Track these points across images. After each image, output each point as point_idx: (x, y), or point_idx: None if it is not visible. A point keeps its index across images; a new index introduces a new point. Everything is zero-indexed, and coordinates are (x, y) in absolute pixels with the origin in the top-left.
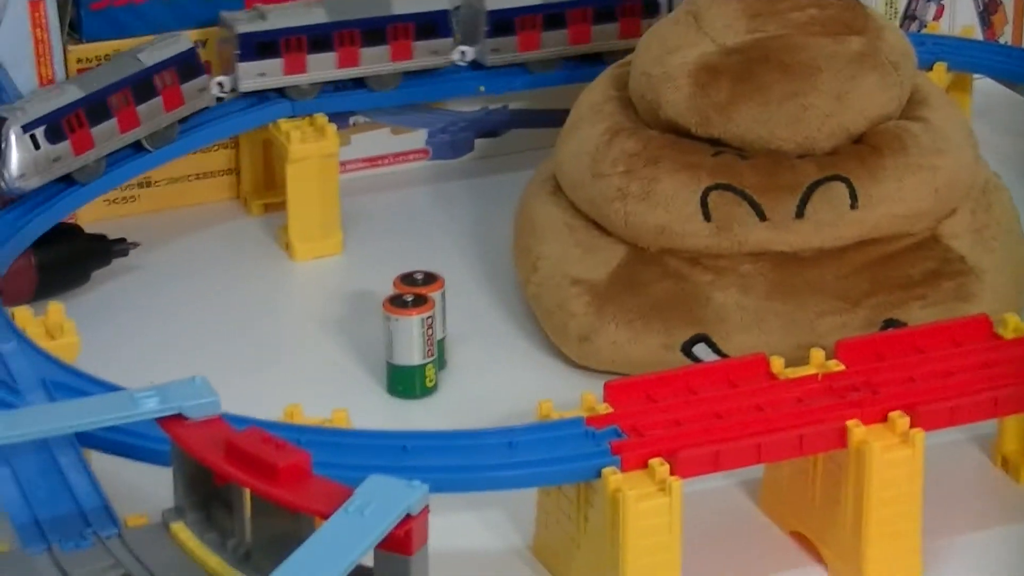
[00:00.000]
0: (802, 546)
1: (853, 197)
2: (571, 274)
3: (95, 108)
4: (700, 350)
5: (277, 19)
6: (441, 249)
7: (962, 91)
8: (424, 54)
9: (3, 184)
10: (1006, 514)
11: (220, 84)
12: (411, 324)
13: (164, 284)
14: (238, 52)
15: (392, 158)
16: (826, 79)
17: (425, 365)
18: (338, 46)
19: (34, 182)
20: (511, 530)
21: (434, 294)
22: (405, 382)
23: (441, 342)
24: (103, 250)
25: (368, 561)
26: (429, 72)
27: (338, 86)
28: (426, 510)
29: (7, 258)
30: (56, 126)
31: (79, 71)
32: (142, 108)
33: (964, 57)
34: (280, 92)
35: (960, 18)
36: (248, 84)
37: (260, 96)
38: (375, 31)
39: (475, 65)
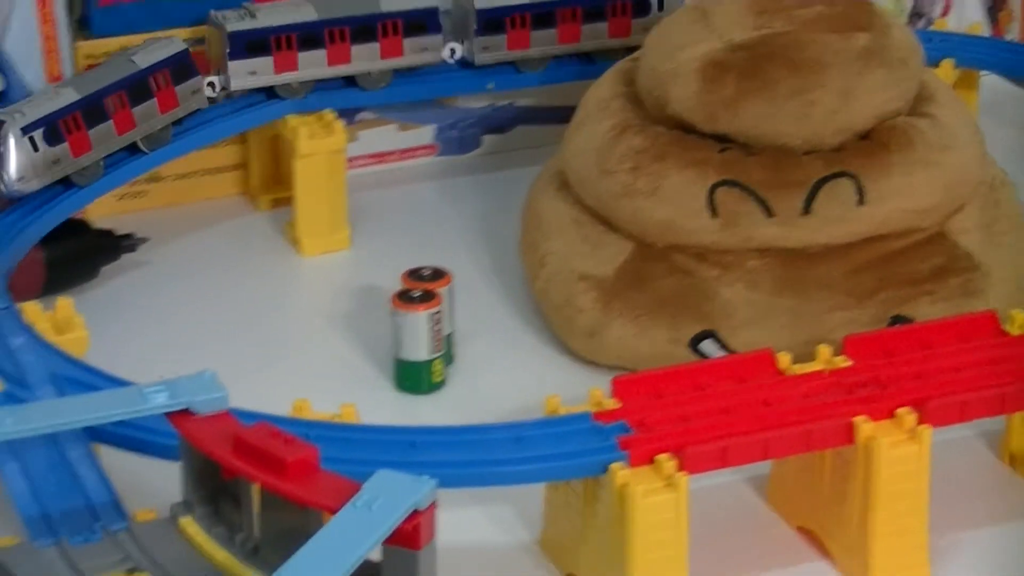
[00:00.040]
0: (809, 542)
1: (860, 193)
2: (578, 270)
3: (92, 110)
4: (707, 346)
5: (267, 17)
6: (448, 245)
7: (969, 88)
8: (414, 51)
9: (3, 187)
10: (1013, 511)
11: (211, 84)
12: (419, 319)
13: (172, 279)
14: (228, 51)
15: (400, 154)
16: (833, 75)
17: (433, 360)
18: (328, 44)
19: (34, 184)
20: (519, 525)
21: (442, 290)
22: (413, 377)
23: (449, 337)
24: (111, 245)
25: (376, 556)
26: (419, 70)
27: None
28: (434, 505)
29: (9, 261)
30: (54, 128)
31: (88, 67)
32: (138, 110)
33: (971, 54)
34: (271, 91)
35: (967, 15)
36: (239, 83)
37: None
38: (365, 28)
39: (464, 63)
